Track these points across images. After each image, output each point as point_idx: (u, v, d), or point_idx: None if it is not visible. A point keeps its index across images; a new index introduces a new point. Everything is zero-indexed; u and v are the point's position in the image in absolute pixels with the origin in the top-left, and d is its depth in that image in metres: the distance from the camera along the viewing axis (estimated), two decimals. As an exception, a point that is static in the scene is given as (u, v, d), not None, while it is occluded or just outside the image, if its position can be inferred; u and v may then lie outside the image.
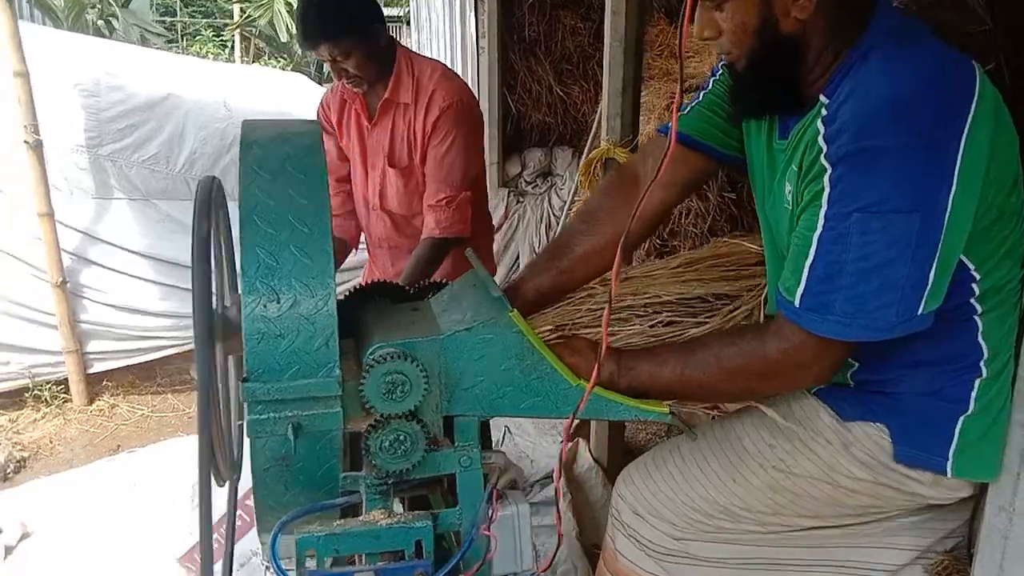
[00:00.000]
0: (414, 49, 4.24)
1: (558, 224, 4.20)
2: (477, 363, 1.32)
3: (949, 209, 1.11)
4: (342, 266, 2.59)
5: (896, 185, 1.10)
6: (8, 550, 2.93)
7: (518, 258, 4.27)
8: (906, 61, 1.15)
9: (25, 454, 3.77)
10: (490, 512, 1.35)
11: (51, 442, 3.92)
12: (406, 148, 2.29)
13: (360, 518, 1.34)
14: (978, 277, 1.24)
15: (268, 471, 1.31)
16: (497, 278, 4.42)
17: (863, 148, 1.11)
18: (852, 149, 1.12)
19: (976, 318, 1.27)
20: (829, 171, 1.14)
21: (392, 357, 1.26)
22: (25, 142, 3.78)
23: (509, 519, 1.37)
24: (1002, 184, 1.19)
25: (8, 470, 3.62)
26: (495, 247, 4.51)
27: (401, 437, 1.29)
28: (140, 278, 4.25)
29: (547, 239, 4.29)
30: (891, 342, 1.20)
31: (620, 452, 3.00)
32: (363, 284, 1.55)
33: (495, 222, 4.55)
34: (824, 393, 1.41)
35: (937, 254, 1.13)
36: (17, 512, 3.16)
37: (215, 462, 1.34)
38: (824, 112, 1.20)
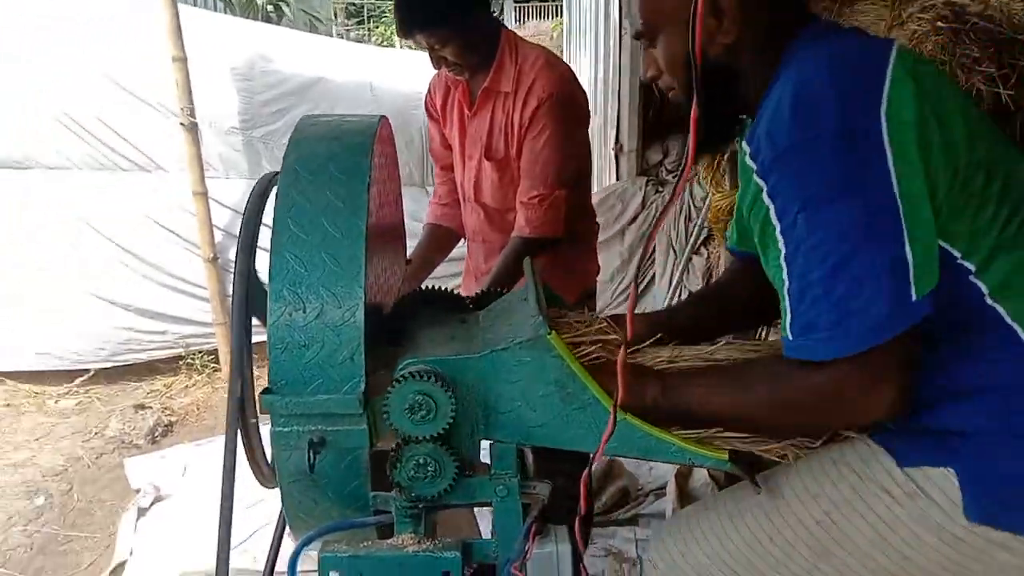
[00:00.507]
0: (563, 33, 4.11)
1: (698, 216, 3.97)
2: (513, 386, 1.20)
3: (895, 182, 1.04)
4: (448, 256, 2.52)
5: (822, 175, 1.06)
6: (142, 511, 3.12)
7: (654, 251, 4.08)
8: (810, 59, 1.13)
9: (173, 419, 4.02)
10: (526, 548, 1.23)
11: (198, 409, 4.16)
12: (503, 139, 2.18)
13: (389, 541, 1.27)
14: (972, 268, 1.12)
15: (295, 484, 1.25)
16: (629, 271, 4.26)
17: (780, 153, 1.09)
18: (772, 157, 1.09)
19: (1010, 323, 1.12)
20: (764, 188, 1.11)
21: (419, 376, 1.17)
22: (181, 124, 4.00)
23: (547, 558, 1.25)
24: (951, 159, 1.09)
25: (156, 433, 3.87)
26: (629, 239, 4.34)
27: (426, 461, 1.20)
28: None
29: (686, 231, 4.07)
30: (933, 369, 1.12)
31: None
32: (420, 290, 1.47)
33: (631, 212, 4.38)
34: (883, 436, 1.19)
35: (904, 230, 1.04)
36: (154, 475, 3.37)
37: (256, 463, 1.31)
38: (746, 132, 1.16)
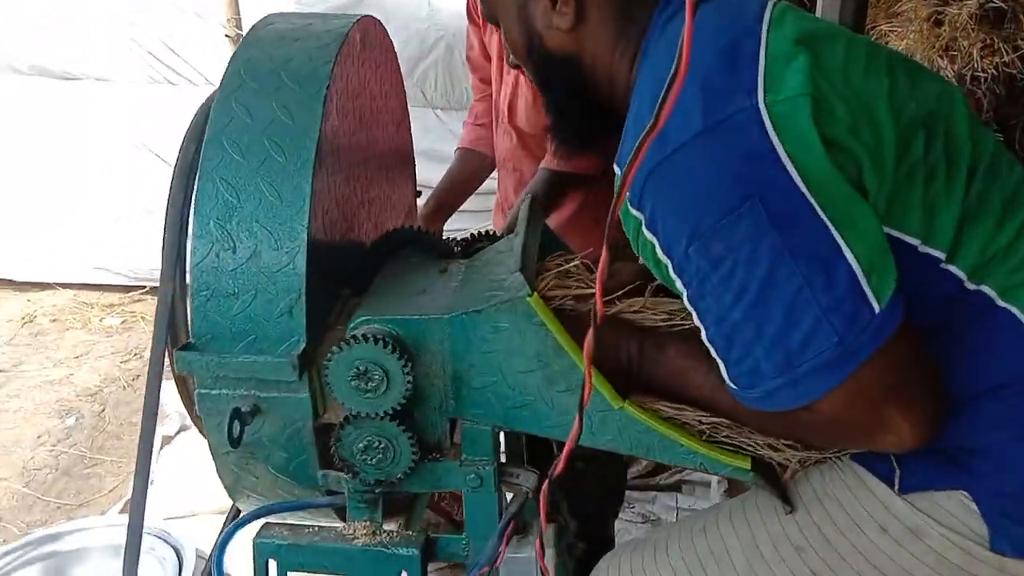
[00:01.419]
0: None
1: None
2: (488, 357, 0.97)
3: (794, 175, 0.78)
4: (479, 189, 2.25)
5: (709, 184, 0.82)
6: (166, 439, 3.04)
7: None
8: (665, 48, 0.91)
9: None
10: (498, 552, 1.01)
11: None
12: None
13: (340, 528, 1.07)
14: (940, 256, 0.87)
15: (229, 456, 1.06)
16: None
17: (649, 172, 0.83)
18: (641, 180, 0.83)
19: (1003, 305, 0.87)
20: (642, 219, 0.86)
21: (368, 339, 0.94)
22: (227, 36, 3.81)
23: (522, 565, 1.02)
24: (875, 131, 0.84)
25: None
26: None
27: (378, 442, 0.98)
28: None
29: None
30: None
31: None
32: (397, 229, 1.23)
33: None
34: (869, 458, 0.93)
35: (832, 229, 0.79)
36: (178, 404, 3.28)
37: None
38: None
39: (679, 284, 0.86)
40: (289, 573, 1.08)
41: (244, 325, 0.97)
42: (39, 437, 3.13)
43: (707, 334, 0.85)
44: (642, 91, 0.93)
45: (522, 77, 1.94)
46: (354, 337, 0.94)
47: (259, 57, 1.06)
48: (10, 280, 4.24)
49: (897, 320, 0.80)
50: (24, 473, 2.91)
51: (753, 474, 0.89)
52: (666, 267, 0.86)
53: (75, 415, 3.30)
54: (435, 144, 3.85)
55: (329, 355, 0.95)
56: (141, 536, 1.08)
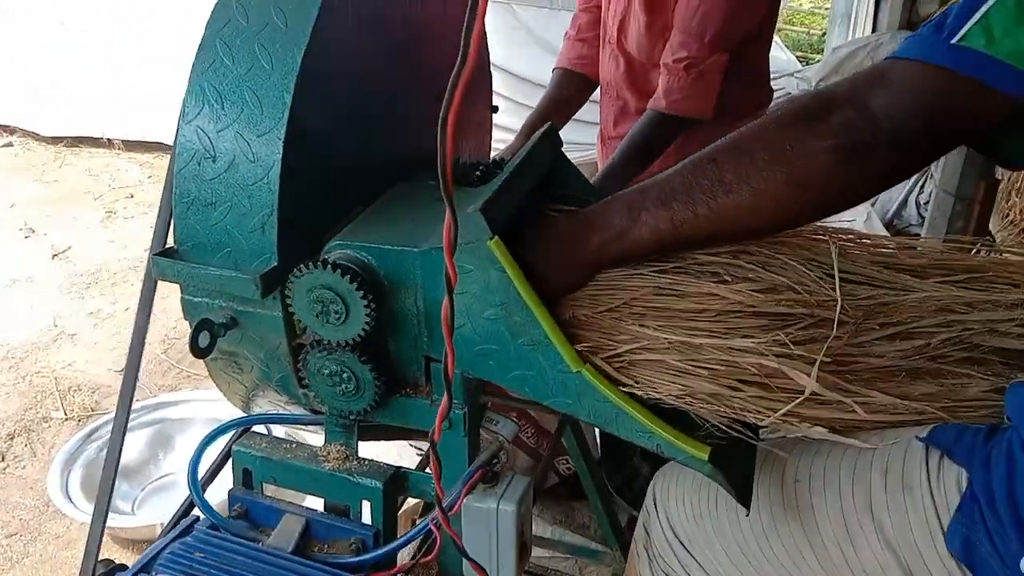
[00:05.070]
0: None
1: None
2: (456, 299, 0.90)
3: None
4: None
5: None
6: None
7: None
8: None
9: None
10: (457, 498, 0.97)
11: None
12: None
13: (317, 449, 1.06)
14: None
15: (215, 362, 1.07)
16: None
17: None
18: None
19: None
20: None
21: (326, 266, 0.90)
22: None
23: (482, 516, 0.97)
24: None
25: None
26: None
27: (343, 372, 0.95)
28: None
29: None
30: None
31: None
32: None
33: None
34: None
35: None
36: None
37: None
38: None
39: None
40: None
41: (221, 237, 0.95)
42: (183, 308, 3.39)
43: None
44: None
45: None
46: (317, 262, 0.90)
47: (271, -46, 1.01)
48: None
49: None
50: (165, 340, 3.17)
51: (710, 466, 0.78)
52: None
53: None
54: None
55: (290, 278, 0.91)
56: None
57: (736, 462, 0.81)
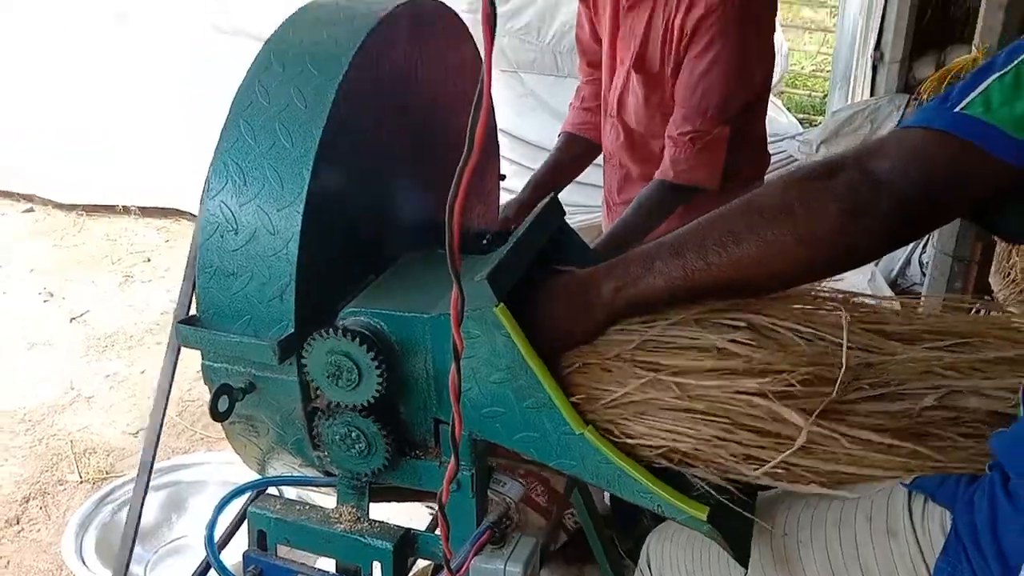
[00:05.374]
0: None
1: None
2: (464, 363, 0.94)
3: None
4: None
5: None
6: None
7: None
8: None
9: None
10: (465, 558, 0.99)
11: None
12: (659, 50, 1.76)
13: (329, 511, 1.09)
14: None
15: (234, 426, 1.10)
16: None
17: None
18: None
19: None
20: None
21: (340, 333, 0.94)
22: None
23: (489, 575, 1.00)
24: None
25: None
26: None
27: (354, 434, 0.99)
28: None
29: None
30: None
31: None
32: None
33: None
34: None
35: None
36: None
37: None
38: None
39: None
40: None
41: (241, 305, 1.00)
42: (198, 371, 3.43)
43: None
44: None
45: (634, 73, 1.84)
46: (332, 329, 0.95)
47: (291, 39, 1.08)
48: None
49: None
50: (179, 403, 3.21)
51: (709, 526, 0.81)
52: None
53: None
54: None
55: (307, 344, 0.96)
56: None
57: (733, 521, 0.83)
